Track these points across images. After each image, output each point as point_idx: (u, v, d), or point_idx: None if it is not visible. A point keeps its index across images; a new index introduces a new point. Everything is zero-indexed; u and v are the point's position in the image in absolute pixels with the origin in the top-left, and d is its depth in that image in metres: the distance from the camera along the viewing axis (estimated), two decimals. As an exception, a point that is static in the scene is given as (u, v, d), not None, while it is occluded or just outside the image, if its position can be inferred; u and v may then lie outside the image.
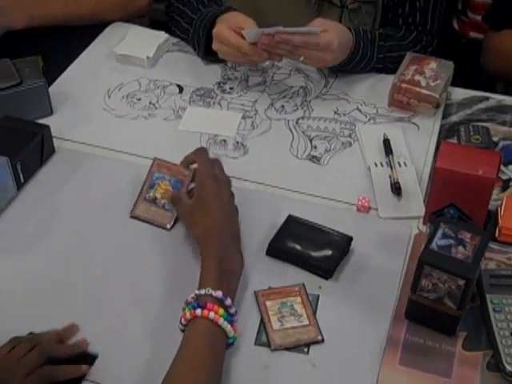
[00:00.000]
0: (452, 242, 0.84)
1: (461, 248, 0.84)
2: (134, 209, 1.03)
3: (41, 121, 1.15)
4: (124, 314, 0.91)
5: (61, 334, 0.87)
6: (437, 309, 0.86)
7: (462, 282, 0.82)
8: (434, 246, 0.84)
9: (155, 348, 0.86)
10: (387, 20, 1.32)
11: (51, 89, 1.21)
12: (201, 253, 0.91)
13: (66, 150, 1.14)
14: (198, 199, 0.96)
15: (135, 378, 0.84)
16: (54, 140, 1.13)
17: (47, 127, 1.11)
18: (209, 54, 1.29)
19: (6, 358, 0.81)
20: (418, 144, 1.16)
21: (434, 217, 0.93)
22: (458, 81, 1.26)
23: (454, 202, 0.93)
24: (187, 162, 1.03)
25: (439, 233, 0.85)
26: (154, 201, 1.03)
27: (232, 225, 0.96)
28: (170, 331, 0.86)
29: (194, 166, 1.01)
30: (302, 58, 1.18)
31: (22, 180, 1.06)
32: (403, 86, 1.20)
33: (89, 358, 0.85)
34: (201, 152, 1.02)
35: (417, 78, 1.21)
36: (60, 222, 1.03)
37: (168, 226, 1.01)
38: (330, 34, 1.16)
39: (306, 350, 0.87)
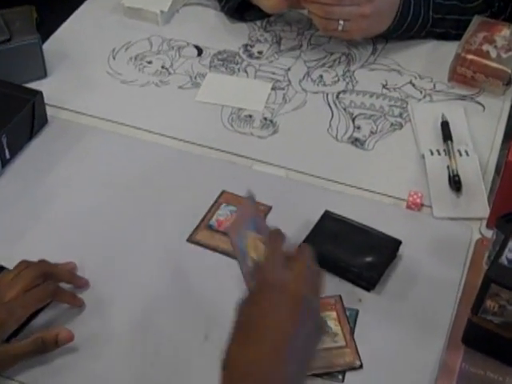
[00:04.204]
0: (526, 256, 0.80)
1: (536, 264, 0.79)
2: (192, 234, 0.98)
3: (32, 85, 1.13)
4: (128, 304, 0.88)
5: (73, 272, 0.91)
6: (502, 335, 0.81)
7: (536, 306, 0.78)
8: (503, 260, 0.79)
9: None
10: None
11: (45, 46, 1.19)
12: None
13: (61, 120, 1.12)
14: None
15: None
16: (48, 108, 1.11)
17: (39, 93, 1.09)
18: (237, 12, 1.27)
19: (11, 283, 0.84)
20: (482, 128, 1.12)
21: (502, 221, 0.89)
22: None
23: (527, 205, 0.89)
24: None
25: (510, 244, 0.81)
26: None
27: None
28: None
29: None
30: (341, 27, 1.15)
31: (8, 156, 1.04)
32: (468, 57, 1.16)
33: None
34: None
35: (485, 47, 1.16)
36: (52, 205, 1.00)
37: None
38: None
39: (340, 376, 0.83)
